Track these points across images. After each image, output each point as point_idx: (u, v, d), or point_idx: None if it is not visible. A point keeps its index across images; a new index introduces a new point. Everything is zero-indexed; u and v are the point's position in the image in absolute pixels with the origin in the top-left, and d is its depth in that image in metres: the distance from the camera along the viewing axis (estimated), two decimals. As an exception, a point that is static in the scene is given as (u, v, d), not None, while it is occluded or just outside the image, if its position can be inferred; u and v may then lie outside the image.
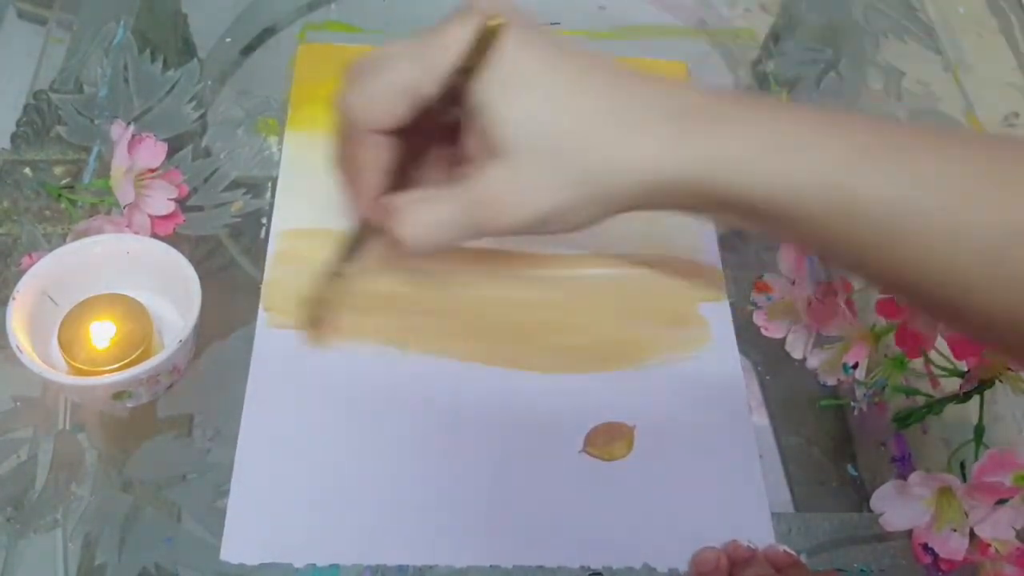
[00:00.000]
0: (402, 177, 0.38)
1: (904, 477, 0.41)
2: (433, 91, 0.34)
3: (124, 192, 0.45)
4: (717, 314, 0.49)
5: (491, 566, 0.40)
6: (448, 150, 0.38)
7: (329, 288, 0.43)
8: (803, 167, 0.31)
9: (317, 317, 0.45)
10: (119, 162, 0.45)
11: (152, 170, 0.47)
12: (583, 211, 0.34)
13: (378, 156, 0.37)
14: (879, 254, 0.32)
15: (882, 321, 0.44)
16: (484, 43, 0.33)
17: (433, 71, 0.34)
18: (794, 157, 0.31)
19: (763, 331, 0.48)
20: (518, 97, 0.33)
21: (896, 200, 0.30)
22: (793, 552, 0.41)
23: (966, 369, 0.43)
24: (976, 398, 0.43)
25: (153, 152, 0.47)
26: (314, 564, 0.40)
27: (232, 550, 0.40)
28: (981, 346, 0.41)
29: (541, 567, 0.40)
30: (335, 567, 0.40)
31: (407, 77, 0.34)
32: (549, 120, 0.33)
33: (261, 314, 0.46)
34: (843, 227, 0.31)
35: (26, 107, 0.53)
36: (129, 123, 0.47)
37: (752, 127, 0.32)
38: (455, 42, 0.33)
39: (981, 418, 0.43)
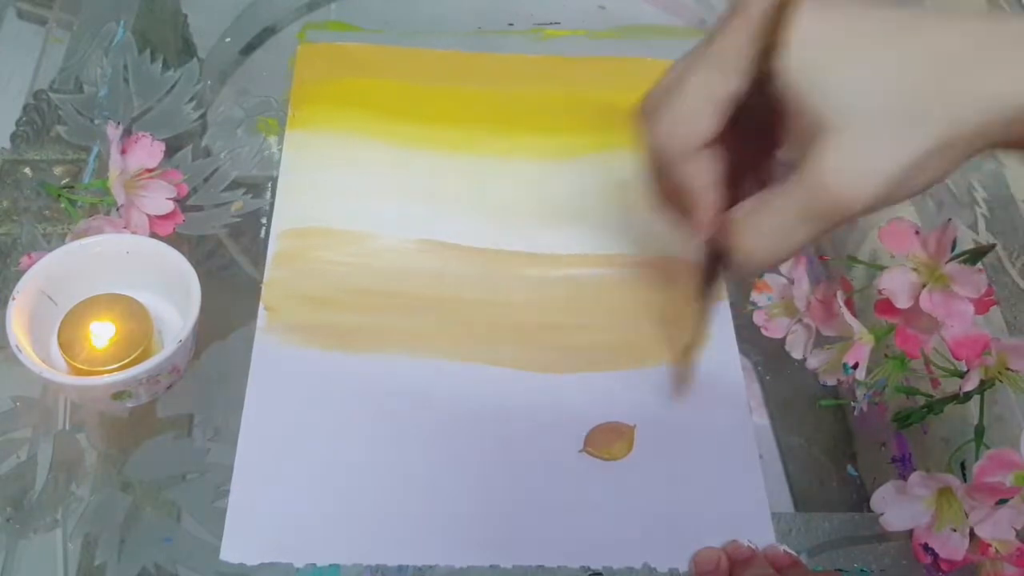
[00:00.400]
0: (731, 194, 0.36)
1: (904, 477, 0.41)
2: (741, 86, 0.33)
3: (118, 193, 0.45)
4: (717, 314, 0.49)
5: (491, 566, 0.40)
6: (766, 151, 0.36)
7: (698, 322, 0.44)
8: None
9: (690, 352, 0.45)
10: (113, 163, 0.45)
11: (150, 170, 0.47)
12: (941, 159, 0.31)
13: (708, 171, 0.35)
14: None
15: (882, 321, 0.44)
16: (778, 18, 0.31)
17: (732, 66, 0.32)
18: None
19: (763, 331, 0.48)
20: (835, 61, 0.31)
21: None
22: (793, 552, 0.41)
23: (966, 369, 0.43)
24: (976, 398, 0.43)
25: (150, 152, 0.47)
26: (314, 564, 0.40)
27: (232, 550, 0.40)
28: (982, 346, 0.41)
29: (541, 567, 0.40)
30: (335, 567, 0.40)
31: (711, 82, 0.33)
32: (877, 76, 0.30)
33: (261, 313, 0.46)
34: None
35: (26, 107, 0.53)
36: (119, 123, 0.47)
37: None
38: (744, 29, 0.32)
39: (981, 418, 0.43)
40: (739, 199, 0.35)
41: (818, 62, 0.31)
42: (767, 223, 0.33)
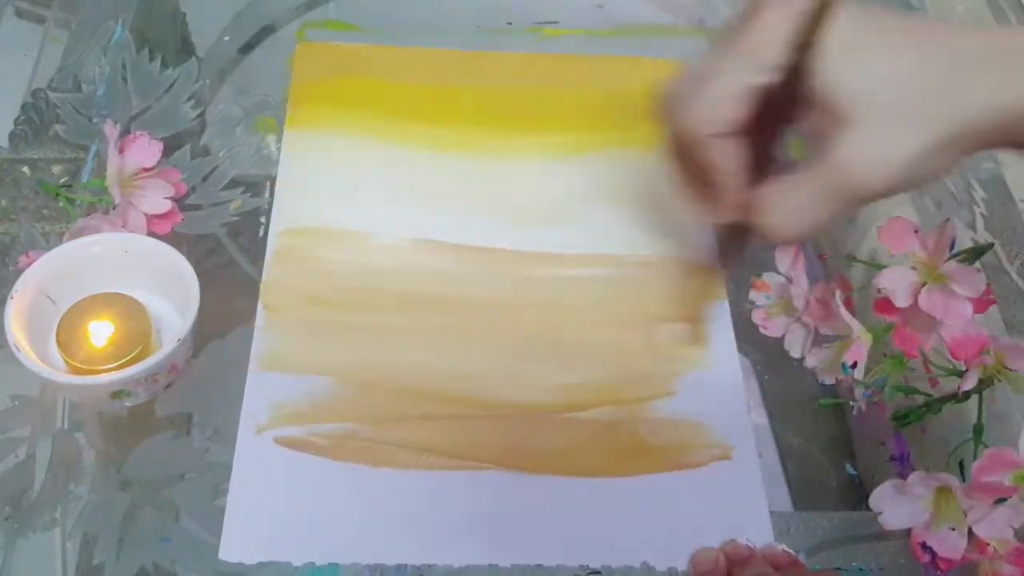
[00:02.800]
0: (754, 177, 0.39)
1: (903, 476, 0.41)
2: (767, 80, 0.35)
3: (116, 192, 0.45)
4: (716, 313, 0.49)
5: (489, 565, 0.40)
6: (775, 137, 0.39)
7: (707, 291, 0.47)
8: None
9: (699, 316, 0.47)
10: (111, 163, 0.45)
11: (148, 169, 0.47)
12: (940, 155, 0.35)
13: (731, 157, 0.38)
14: None
15: (881, 320, 0.44)
16: (815, 19, 0.34)
17: (762, 61, 0.35)
18: None
19: (762, 330, 0.48)
20: (862, 60, 0.34)
21: None
22: (792, 551, 0.41)
23: (965, 368, 0.43)
24: (975, 397, 0.43)
25: (148, 151, 0.47)
26: (313, 563, 0.40)
27: (231, 549, 0.39)
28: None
29: (540, 566, 0.40)
30: (334, 566, 0.40)
31: (738, 74, 0.36)
32: (896, 75, 0.34)
33: (260, 313, 0.46)
34: None
35: (24, 106, 0.53)
36: (118, 123, 0.47)
37: None
38: (778, 26, 0.35)
39: (980, 417, 0.43)
40: (764, 178, 0.38)
41: (849, 62, 0.34)
42: (795, 202, 0.36)
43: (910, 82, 0.34)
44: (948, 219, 0.42)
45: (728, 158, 0.38)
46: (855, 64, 0.34)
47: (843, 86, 0.34)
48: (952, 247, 0.42)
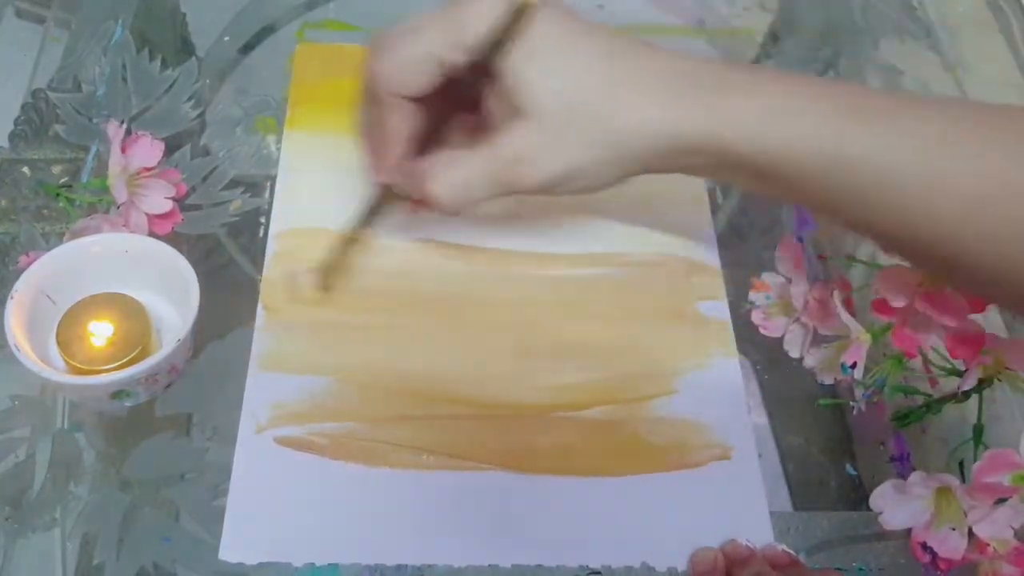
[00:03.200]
0: (424, 144, 0.40)
1: (903, 476, 0.41)
2: (459, 60, 0.37)
3: (119, 192, 0.45)
4: (716, 313, 0.49)
5: (489, 566, 0.40)
6: (468, 119, 0.40)
7: (345, 252, 0.46)
8: (798, 130, 0.34)
9: (330, 281, 0.46)
10: (114, 162, 0.45)
11: (149, 169, 0.47)
12: (602, 170, 0.37)
13: (403, 122, 0.39)
14: (870, 209, 0.35)
15: (880, 320, 0.44)
16: (515, 18, 0.35)
17: (461, 42, 0.36)
18: (790, 121, 0.35)
19: (761, 330, 0.48)
20: (545, 64, 0.36)
21: (881, 157, 0.34)
22: (791, 552, 0.41)
23: (964, 368, 0.43)
24: (975, 397, 0.43)
25: (150, 150, 0.47)
26: (313, 563, 0.40)
27: (231, 549, 0.40)
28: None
29: (540, 566, 0.40)
30: (334, 566, 0.40)
31: (435, 46, 0.37)
32: (573, 86, 0.36)
33: (260, 312, 0.46)
34: (836, 184, 0.35)
35: (24, 106, 0.53)
36: (122, 122, 0.47)
37: (754, 94, 0.35)
38: (485, 16, 0.36)
39: (980, 417, 0.43)
40: (432, 150, 0.40)
41: (531, 61, 0.36)
42: (459, 175, 0.38)
43: (580, 97, 0.36)
44: None
45: (402, 121, 0.39)
46: (539, 65, 0.36)
47: (522, 83, 0.36)
48: None
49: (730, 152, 0.35)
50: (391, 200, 0.43)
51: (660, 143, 0.36)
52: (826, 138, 0.34)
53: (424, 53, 0.37)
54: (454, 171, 0.38)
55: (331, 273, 0.47)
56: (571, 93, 0.36)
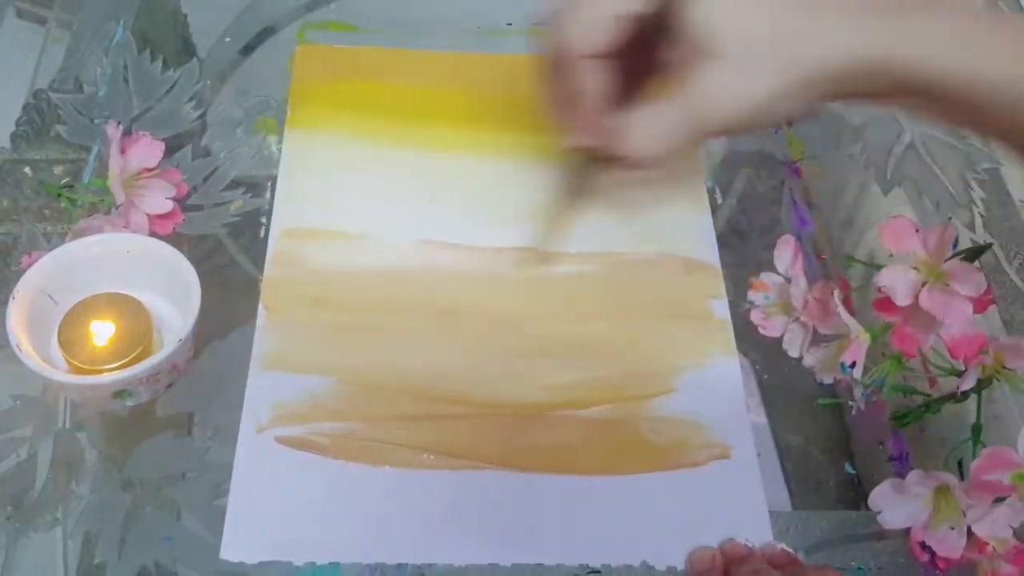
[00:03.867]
0: (615, 104, 0.40)
1: (902, 476, 0.41)
2: (647, 7, 0.38)
3: (118, 192, 0.45)
4: (716, 312, 0.49)
5: (489, 565, 0.40)
6: (654, 77, 0.41)
7: (560, 213, 0.47)
8: (980, 53, 0.35)
9: (549, 240, 0.48)
10: (113, 163, 0.45)
11: (149, 169, 0.47)
12: (792, 97, 0.37)
13: (597, 81, 0.40)
14: None
15: (880, 320, 0.44)
16: None
17: None
18: (976, 39, 0.35)
19: (760, 329, 0.48)
20: (725, 4, 0.37)
21: None
22: (790, 550, 0.41)
23: (964, 368, 0.43)
24: (974, 397, 0.44)
25: (150, 151, 0.47)
26: (314, 562, 0.40)
27: (232, 549, 0.40)
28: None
29: (540, 565, 0.41)
30: (335, 566, 0.40)
31: (621, 1, 0.38)
32: (755, 20, 0.36)
33: (261, 312, 0.47)
34: (1017, 109, 0.35)
35: (26, 106, 0.53)
36: (121, 123, 0.47)
37: (935, 17, 0.36)
38: None
39: (979, 417, 0.43)
40: (613, 110, 0.40)
41: (713, 5, 0.37)
42: (653, 126, 0.38)
43: (770, 24, 0.36)
44: (950, 218, 0.42)
45: (595, 80, 0.40)
46: (719, 6, 0.37)
47: (707, 22, 0.36)
48: (955, 246, 0.42)
49: (914, 74, 0.36)
50: (590, 164, 0.43)
51: (846, 67, 0.36)
52: (1007, 64, 0.35)
53: (611, 9, 0.38)
54: (651, 122, 0.39)
55: (548, 244, 0.48)
56: (754, 27, 0.36)
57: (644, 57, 0.40)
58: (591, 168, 0.43)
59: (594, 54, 0.39)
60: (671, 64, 0.39)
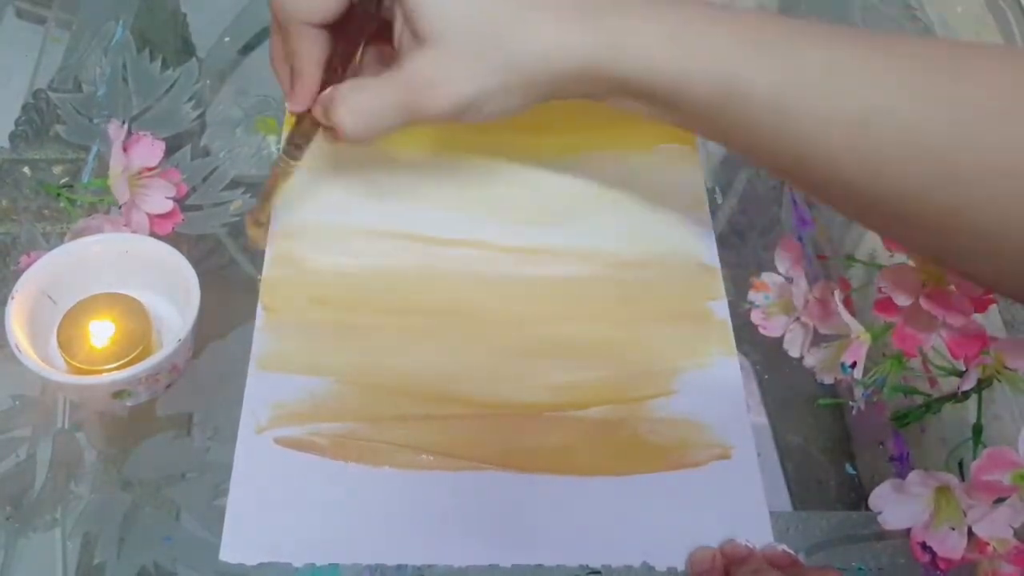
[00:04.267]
0: (339, 74, 0.40)
1: (902, 476, 0.41)
2: None
3: (121, 191, 0.45)
4: (716, 312, 0.49)
5: (489, 565, 0.40)
6: (383, 48, 0.41)
7: (275, 183, 0.45)
8: (695, 54, 0.35)
9: (263, 215, 0.46)
10: (115, 161, 0.45)
11: (150, 169, 0.47)
12: (504, 97, 0.37)
13: (313, 49, 0.40)
14: (763, 135, 0.35)
15: (880, 320, 0.44)
16: None
17: None
18: (688, 44, 0.35)
19: (761, 329, 0.48)
20: None
21: (776, 83, 0.34)
22: (791, 551, 0.41)
23: (964, 368, 0.43)
24: (974, 397, 0.43)
25: (151, 151, 0.47)
26: (313, 564, 0.40)
27: (231, 550, 0.40)
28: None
29: (540, 566, 0.40)
30: (334, 567, 0.40)
31: None
32: (472, 11, 0.35)
33: (260, 312, 0.47)
34: (730, 111, 0.35)
35: (25, 106, 0.53)
36: (124, 122, 0.47)
37: (653, 18, 0.35)
38: None
39: (979, 417, 0.43)
40: (334, 81, 0.40)
41: None
42: (364, 103, 0.38)
43: (480, 22, 0.35)
44: None
45: (311, 49, 0.40)
46: None
47: (422, 8, 0.35)
48: None
49: (627, 78, 0.36)
50: (310, 129, 0.43)
51: (561, 68, 0.36)
52: (722, 64, 0.35)
53: None
54: (360, 98, 0.38)
55: (262, 208, 0.46)
56: (470, 18, 0.36)
57: (374, 29, 0.40)
58: (309, 131, 0.43)
59: (312, 22, 0.39)
60: (396, 41, 0.38)
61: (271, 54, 0.43)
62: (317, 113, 0.40)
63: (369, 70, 0.41)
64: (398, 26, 0.38)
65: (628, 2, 0.36)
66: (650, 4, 0.36)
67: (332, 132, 0.40)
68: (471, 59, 0.36)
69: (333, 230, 0.50)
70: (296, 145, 0.43)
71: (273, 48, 0.42)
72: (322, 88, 0.41)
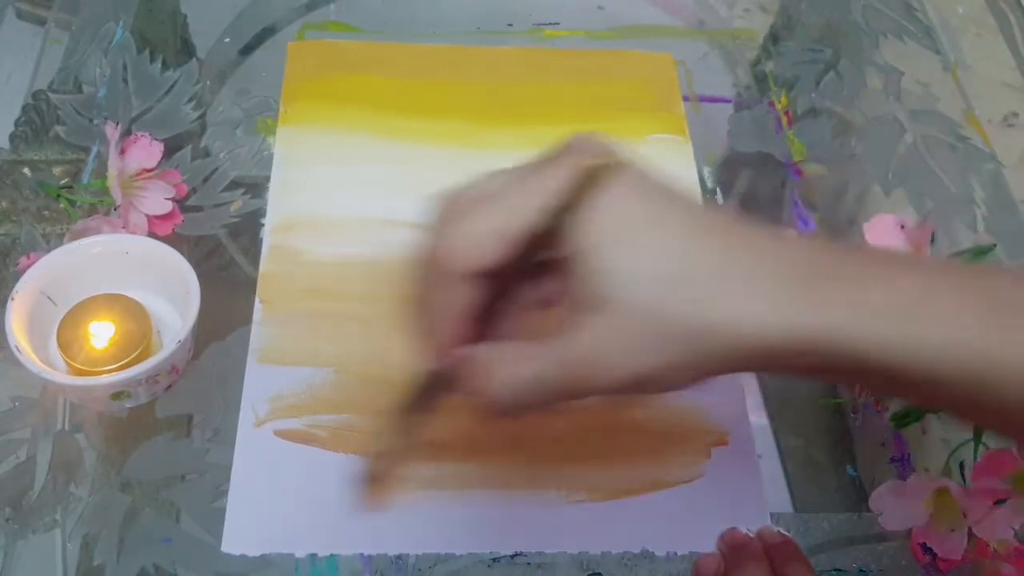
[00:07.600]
0: (484, 322, 0.33)
1: (903, 477, 0.41)
2: (529, 235, 0.30)
3: (116, 193, 0.45)
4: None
5: (490, 554, 0.40)
6: (533, 291, 0.34)
7: (396, 441, 0.36)
8: (935, 332, 0.29)
9: (381, 473, 0.37)
10: (112, 163, 0.45)
11: (148, 170, 0.47)
12: (684, 373, 0.31)
13: (464, 301, 0.32)
14: (1014, 414, 0.29)
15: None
16: (587, 185, 0.30)
17: (530, 213, 0.30)
18: (926, 321, 0.29)
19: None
20: (622, 247, 0.30)
21: None
22: (786, 533, 0.41)
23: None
24: (975, 398, 0.43)
25: (149, 152, 0.47)
26: (314, 554, 0.40)
27: (233, 542, 0.40)
28: None
29: (540, 553, 0.41)
30: (335, 557, 0.40)
31: (503, 219, 0.31)
32: (654, 275, 0.30)
33: (257, 306, 0.47)
34: (976, 390, 0.29)
35: (25, 107, 0.53)
36: (118, 124, 0.47)
37: (876, 288, 0.29)
38: (555, 182, 0.30)
39: (980, 418, 0.43)
40: (492, 328, 0.33)
41: (606, 242, 0.30)
42: (519, 375, 0.31)
43: (672, 288, 0.30)
44: (928, 214, 0.42)
45: (461, 301, 0.32)
46: (617, 250, 0.30)
47: (599, 269, 0.30)
48: (932, 240, 0.42)
49: (855, 353, 0.29)
50: (441, 389, 0.35)
51: (762, 342, 0.30)
52: (969, 342, 0.29)
53: (491, 227, 0.31)
54: (513, 369, 0.31)
55: (382, 464, 0.36)
56: (650, 284, 0.30)
57: (524, 279, 0.33)
58: (440, 391, 0.35)
59: (467, 273, 0.31)
60: (556, 291, 0.33)
61: (412, 302, 0.34)
62: (454, 371, 0.33)
63: (516, 315, 0.34)
64: (563, 279, 0.31)
65: (846, 269, 0.30)
66: (873, 268, 0.30)
67: (469, 396, 0.33)
68: (651, 330, 0.30)
69: (329, 222, 0.50)
70: (422, 403, 0.35)
71: (415, 295, 0.34)
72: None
